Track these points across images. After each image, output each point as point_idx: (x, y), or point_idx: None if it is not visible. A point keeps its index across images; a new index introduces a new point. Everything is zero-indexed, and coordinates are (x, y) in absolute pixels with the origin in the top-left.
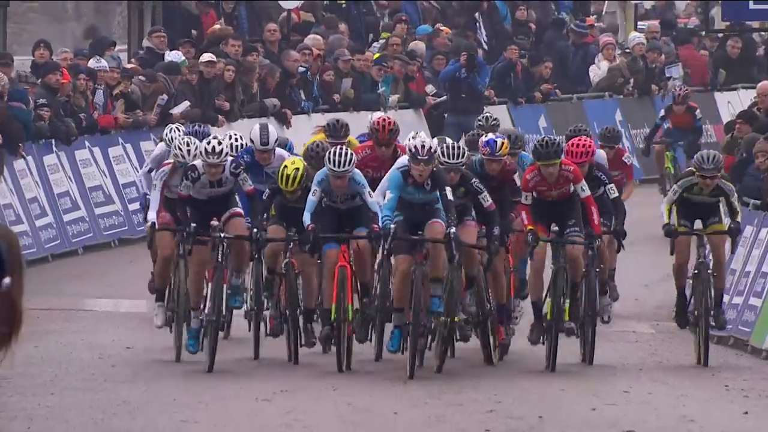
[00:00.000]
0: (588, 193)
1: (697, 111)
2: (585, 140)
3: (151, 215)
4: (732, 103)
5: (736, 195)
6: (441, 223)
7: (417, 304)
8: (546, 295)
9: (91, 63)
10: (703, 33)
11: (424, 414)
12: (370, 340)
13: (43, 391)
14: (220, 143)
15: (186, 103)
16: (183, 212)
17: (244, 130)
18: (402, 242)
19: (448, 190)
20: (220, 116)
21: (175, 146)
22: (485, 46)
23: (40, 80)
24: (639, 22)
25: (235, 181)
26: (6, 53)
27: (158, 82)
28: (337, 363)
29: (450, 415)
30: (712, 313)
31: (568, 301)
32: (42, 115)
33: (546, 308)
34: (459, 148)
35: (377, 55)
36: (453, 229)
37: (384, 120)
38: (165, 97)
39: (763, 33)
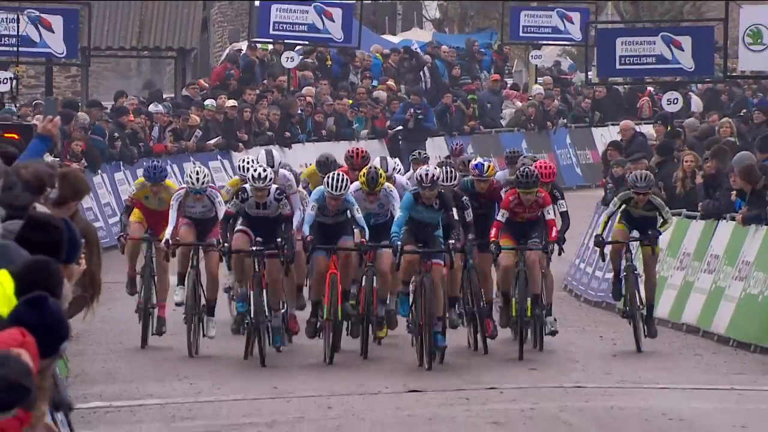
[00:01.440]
0: (552, 216)
1: None
2: (548, 162)
3: (168, 233)
4: (604, 135)
5: (666, 208)
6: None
7: (429, 309)
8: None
9: (150, 108)
10: (582, 85)
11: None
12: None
13: (114, 341)
14: (265, 170)
15: (218, 138)
16: (224, 228)
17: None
18: (410, 246)
19: (454, 210)
20: (240, 144)
21: (187, 174)
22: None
23: (114, 119)
24: (538, 78)
25: (278, 206)
26: (96, 100)
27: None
28: (330, 355)
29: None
30: (643, 313)
31: (529, 299)
32: (114, 144)
33: (512, 308)
34: (452, 173)
35: (350, 101)
36: (452, 241)
37: (357, 150)
38: (200, 132)
39: (625, 86)
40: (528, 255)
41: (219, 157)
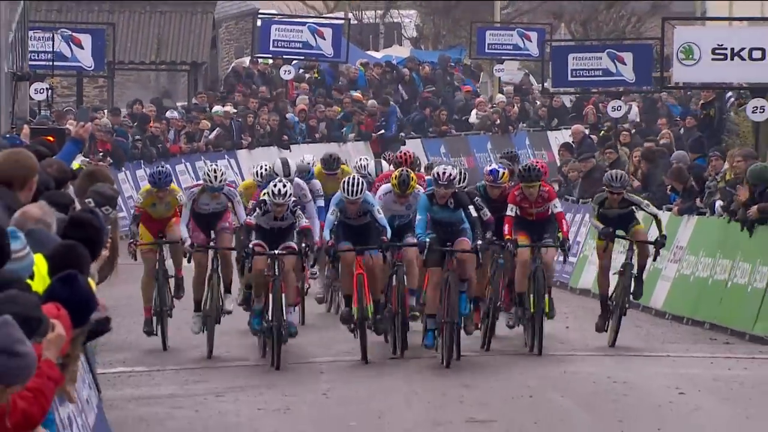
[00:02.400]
0: (560, 209)
1: None
2: (541, 161)
3: (185, 235)
4: (558, 138)
5: (645, 202)
6: (467, 240)
7: (452, 306)
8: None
9: (167, 114)
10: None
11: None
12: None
13: (136, 314)
14: (285, 185)
15: (217, 130)
16: (246, 237)
17: (260, 154)
18: (435, 255)
19: (471, 208)
20: (243, 141)
21: (204, 172)
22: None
23: (136, 123)
24: (503, 88)
25: (293, 218)
26: (116, 107)
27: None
28: (362, 353)
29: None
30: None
31: (546, 296)
32: (136, 145)
33: (528, 303)
34: (462, 173)
35: (339, 109)
36: (479, 242)
37: (405, 153)
38: (209, 132)
39: (576, 95)
40: (544, 253)
41: (226, 157)
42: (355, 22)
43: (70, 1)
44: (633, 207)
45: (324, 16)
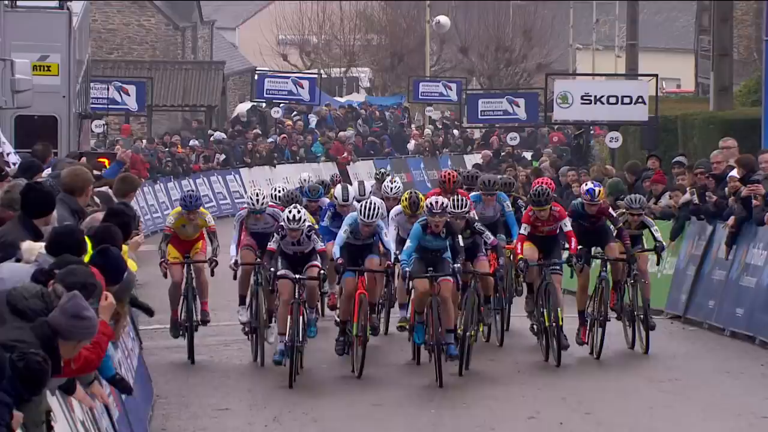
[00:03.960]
0: (569, 228)
1: None
2: (548, 180)
3: (233, 252)
4: (471, 159)
5: (655, 226)
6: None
7: (435, 328)
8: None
9: (191, 143)
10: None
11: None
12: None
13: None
14: (299, 211)
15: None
16: (269, 261)
17: (257, 172)
18: (420, 274)
19: (460, 237)
20: (247, 160)
21: (248, 196)
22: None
23: (167, 149)
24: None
25: (310, 241)
26: (152, 137)
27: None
28: (359, 369)
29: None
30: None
31: (559, 309)
32: (167, 164)
33: (544, 317)
34: (463, 201)
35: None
36: (458, 265)
37: (450, 174)
38: (221, 156)
39: (484, 129)
40: (554, 274)
41: (233, 173)
42: (325, 76)
43: (120, 61)
44: (646, 229)
45: (302, 72)
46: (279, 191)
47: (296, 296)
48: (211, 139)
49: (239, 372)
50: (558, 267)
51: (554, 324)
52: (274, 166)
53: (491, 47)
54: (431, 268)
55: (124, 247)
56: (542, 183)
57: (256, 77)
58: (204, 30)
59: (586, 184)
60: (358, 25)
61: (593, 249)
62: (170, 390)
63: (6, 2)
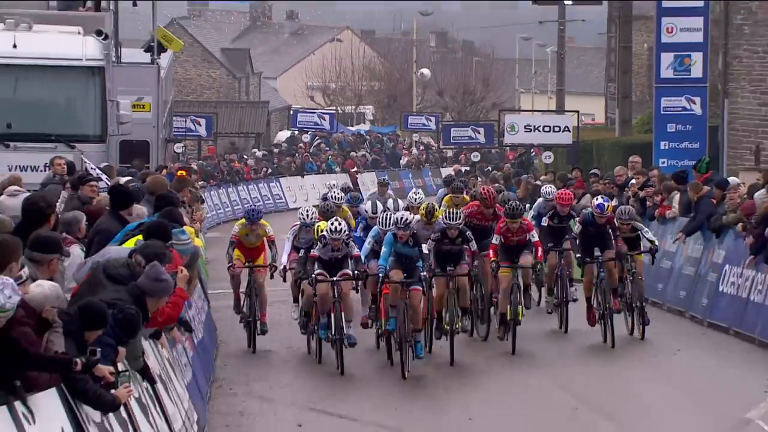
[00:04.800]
0: (537, 239)
1: None
2: (568, 193)
3: (284, 260)
4: (444, 172)
5: (646, 228)
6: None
7: (404, 326)
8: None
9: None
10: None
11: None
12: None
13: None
14: (340, 224)
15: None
16: (312, 266)
17: (291, 180)
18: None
19: (424, 246)
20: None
21: (300, 212)
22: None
23: (227, 165)
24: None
25: (347, 248)
26: (214, 155)
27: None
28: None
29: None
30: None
31: (521, 307)
32: (227, 175)
33: (508, 313)
34: (457, 214)
35: (331, 156)
36: (424, 273)
37: (489, 190)
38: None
39: (455, 149)
40: (520, 274)
41: (274, 181)
42: (341, 111)
43: (194, 101)
44: (638, 232)
45: (324, 108)
46: (309, 211)
47: (335, 296)
48: (255, 155)
49: (282, 334)
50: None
51: (514, 319)
52: (303, 176)
53: (460, 91)
54: (406, 274)
55: (191, 229)
56: (563, 195)
57: (291, 112)
58: (254, 78)
59: (597, 199)
60: (364, 75)
61: (595, 250)
62: (229, 337)
63: (114, 60)
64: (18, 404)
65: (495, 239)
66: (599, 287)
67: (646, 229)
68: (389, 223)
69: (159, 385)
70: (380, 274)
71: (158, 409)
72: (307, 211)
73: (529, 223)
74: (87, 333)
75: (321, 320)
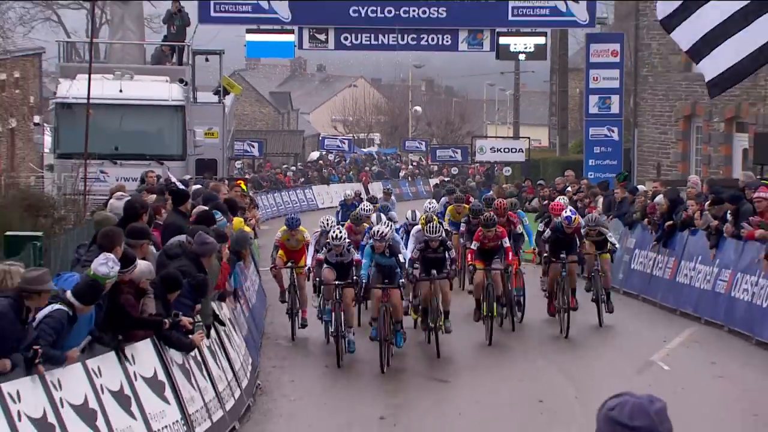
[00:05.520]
0: (509, 244)
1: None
2: (502, 203)
3: (309, 263)
4: (432, 182)
5: (610, 233)
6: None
7: (387, 327)
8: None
9: (287, 171)
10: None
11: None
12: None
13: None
14: (341, 232)
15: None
16: (319, 268)
17: (320, 187)
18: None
19: (400, 255)
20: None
21: (321, 220)
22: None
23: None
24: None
25: (349, 254)
26: (260, 169)
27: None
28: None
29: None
30: (604, 299)
31: (495, 303)
32: (272, 183)
33: (483, 309)
34: (437, 227)
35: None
36: (403, 280)
37: (501, 203)
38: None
39: (440, 164)
40: (494, 274)
41: (308, 188)
42: (356, 137)
43: (249, 130)
44: (604, 237)
45: (344, 135)
46: (328, 225)
47: (337, 299)
48: (293, 169)
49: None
50: (499, 264)
51: (490, 314)
52: (328, 185)
53: (443, 123)
54: (387, 280)
55: (238, 219)
56: (554, 206)
57: (320, 138)
58: (293, 113)
59: (566, 212)
60: (373, 111)
61: (562, 253)
62: (275, 303)
63: (191, 100)
64: (123, 351)
65: (473, 245)
66: (560, 285)
67: (611, 233)
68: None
69: (223, 336)
70: (363, 281)
71: (223, 354)
72: (327, 220)
73: (503, 230)
74: (169, 295)
75: (326, 306)
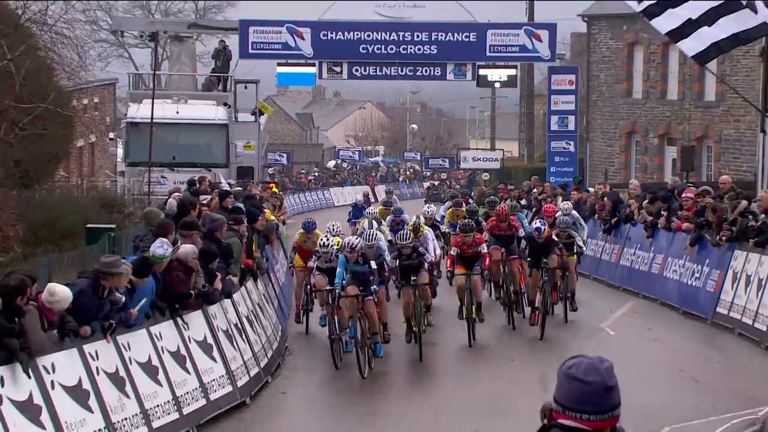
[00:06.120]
0: (486, 251)
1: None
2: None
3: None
4: (425, 185)
5: (578, 236)
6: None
7: (363, 332)
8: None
9: (309, 176)
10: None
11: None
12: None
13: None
14: (329, 239)
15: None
16: (311, 275)
17: (336, 190)
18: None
19: (372, 263)
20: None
21: (327, 225)
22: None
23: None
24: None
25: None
26: (289, 176)
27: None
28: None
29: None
30: (569, 299)
31: (473, 306)
32: (295, 185)
33: (464, 311)
34: (407, 235)
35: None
36: (375, 287)
37: (502, 208)
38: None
39: (432, 172)
40: (473, 278)
41: (327, 190)
42: (364, 149)
43: (279, 143)
44: (572, 239)
45: (355, 147)
46: (334, 225)
47: (330, 303)
48: (314, 174)
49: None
50: (478, 270)
51: (470, 317)
52: (342, 187)
53: (434, 137)
54: (361, 287)
55: (267, 212)
56: (547, 209)
57: (336, 150)
58: (314, 130)
59: (536, 223)
60: (378, 128)
61: (542, 259)
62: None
63: (233, 120)
64: (179, 319)
65: (453, 251)
66: (543, 289)
67: (579, 236)
68: (372, 237)
69: (257, 308)
70: (337, 290)
71: (258, 322)
72: (333, 225)
73: (480, 237)
74: (210, 264)
75: (322, 312)
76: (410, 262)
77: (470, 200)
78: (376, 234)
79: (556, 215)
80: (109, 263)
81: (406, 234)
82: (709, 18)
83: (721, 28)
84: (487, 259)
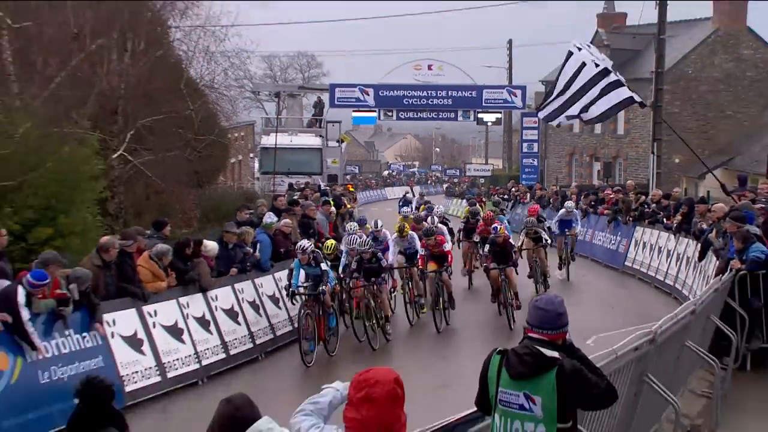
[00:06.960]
0: (449, 249)
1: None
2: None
3: (391, 258)
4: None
5: (543, 231)
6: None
7: (319, 330)
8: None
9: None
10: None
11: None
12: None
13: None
14: (367, 240)
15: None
16: (347, 275)
17: (388, 189)
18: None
19: (323, 265)
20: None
21: (346, 239)
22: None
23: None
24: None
25: (376, 260)
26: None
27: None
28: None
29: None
30: (541, 280)
31: (441, 299)
32: (363, 185)
33: (430, 304)
34: (366, 242)
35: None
36: (323, 287)
37: (489, 214)
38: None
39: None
40: (443, 275)
41: (383, 188)
42: (406, 164)
43: (352, 160)
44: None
45: (400, 162)
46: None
47: (367, 296)
48: (375, 180)
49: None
50: (446, 269)
51: (442, 307)
52: (393, 187)
53: (450, 156)
54: (322, 288)
55: (345, 202)
56: (531, 208)
57: (389, 164)
58: (375, 152)
59: (494, 224)
60: (414, 151)
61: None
62: None
63: (325, 145)
64: (256, 280)
65: (422, 251)
66: (503, 285)
67: (543, 231)
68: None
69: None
70: (293, 289)
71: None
72: (351, 240)
73: (442, 238)
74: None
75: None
76: (370, 266)
77: (483, 200)
78: (369, 240)
79: (553, 213)
80: (228, 225)
81: (366, 241)
82: (592, 102)
83: (600, 106)
84: (450, 257)
